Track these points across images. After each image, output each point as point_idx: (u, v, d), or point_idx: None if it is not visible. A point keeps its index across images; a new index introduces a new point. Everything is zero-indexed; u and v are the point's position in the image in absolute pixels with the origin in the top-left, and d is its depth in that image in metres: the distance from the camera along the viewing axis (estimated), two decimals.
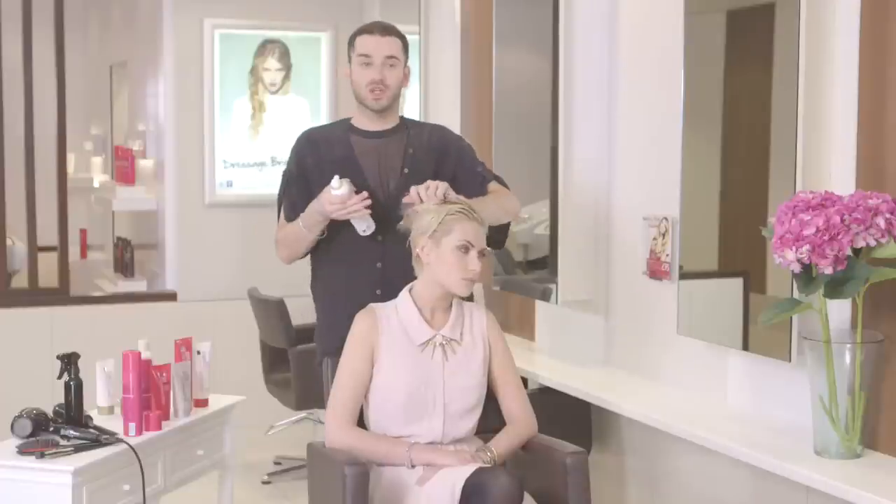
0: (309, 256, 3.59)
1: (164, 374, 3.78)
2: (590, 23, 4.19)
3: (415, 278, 3.28)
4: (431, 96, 5.76)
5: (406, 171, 3.47)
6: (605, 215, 4.24)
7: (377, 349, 3.20)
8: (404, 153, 3.50)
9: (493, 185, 3.58)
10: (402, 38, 3.54)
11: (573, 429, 3.96)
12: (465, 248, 3.15)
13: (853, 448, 2.97)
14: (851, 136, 3.10)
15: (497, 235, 3.56)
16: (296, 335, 5.31)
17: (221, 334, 5.98)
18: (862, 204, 2.83)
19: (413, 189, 3.24)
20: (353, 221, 3.39)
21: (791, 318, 3.14)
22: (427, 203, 3.19)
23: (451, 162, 3.54)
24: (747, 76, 3.50)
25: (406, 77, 3.55)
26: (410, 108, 6.06)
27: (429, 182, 3.24)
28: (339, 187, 3.31)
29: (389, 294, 3.33)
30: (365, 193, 3.34)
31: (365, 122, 3.54)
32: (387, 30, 3.51)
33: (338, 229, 3.44)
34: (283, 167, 6.74)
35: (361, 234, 3.41)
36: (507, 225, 3.66)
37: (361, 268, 3.46)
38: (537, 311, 4.63)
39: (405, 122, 3.62)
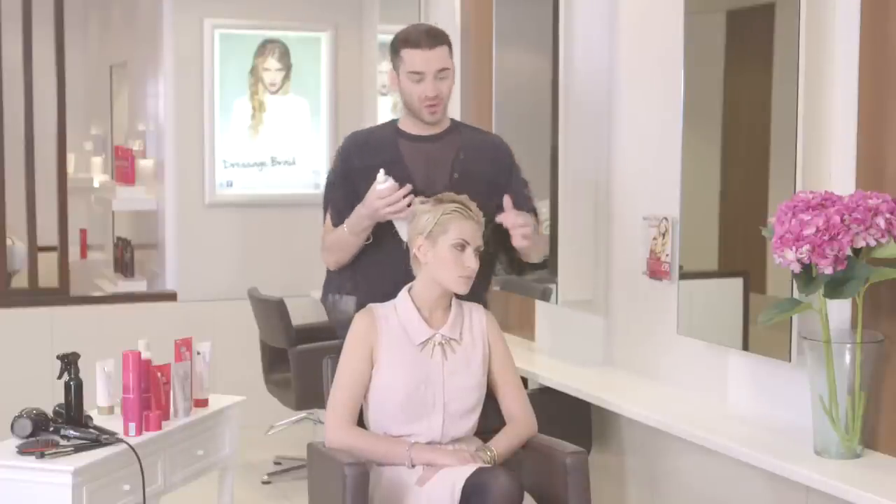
0: None
1: (164, 374, 3.78)
2: (590, 22, 4.19)
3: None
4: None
5: (455, 175, 3.41)
6: (605, 215, 4.24)
7: (377, 349, 3.20)
8: (455, 157, 3.43)
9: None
10: (448, 42, 3.41)
11: (573, 429, 3.96)
12: (461, 246, 3.16)
13: (853, 448, 2.97)
14: (851, 136, 3.10)
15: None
16: (296, 335, 5.32)
17: (221, 334, 5.98)
18: (862, 204, 2.83)
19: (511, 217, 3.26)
20: (396, 225, 3.32)
21: (791, 318, 3.14)
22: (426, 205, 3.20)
23: (506, 177, 3.47)
24: (747, 76, 3.50)
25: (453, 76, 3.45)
26: None
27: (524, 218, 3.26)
28: (384, 181, 3.25)
29: None
30: (409, 187, 3.27)
31: (412, 127, 3.45)
32: (435, 39, 3.37)
33: (381, 237, 3.37)
34: (283, 167, 6.74)
35: (404, 239, 3.31)
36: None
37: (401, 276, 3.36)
38: (537, 311, 4.63)
39: (456, 125, 3.52)
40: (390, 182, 3.26)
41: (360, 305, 3.40)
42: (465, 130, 3.53)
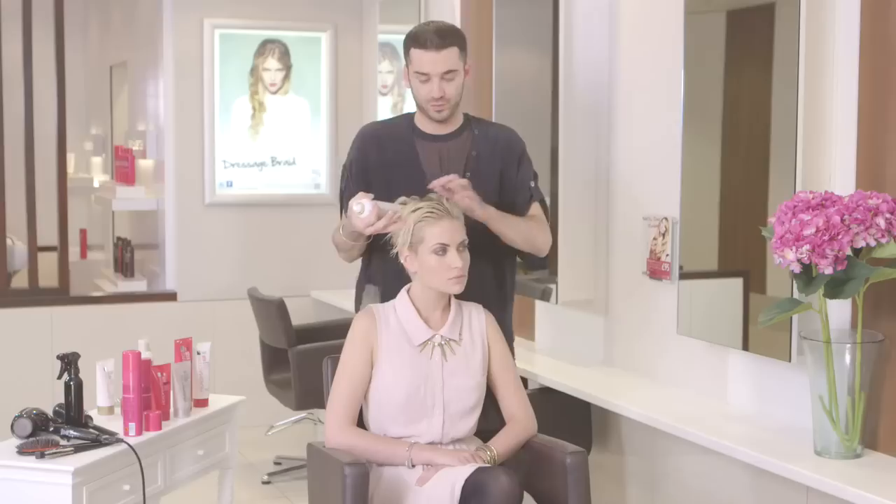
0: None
1: (164, 374, 3.78)
2: (590, 23, 4.19)
3: (485, 280, 3.31)
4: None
5: (468, 174, 3.39)
6: (605, 215, 4.24)
7: (376, 349, 3.20)
8: (468, 156, 3.43)
9: (534, 209, 3.48)
10: (460, 41, 3.38)
11: (573, 429, 3.96)
12: (442, 250, 3.15)
13: (853, 448, 2.98)
14: (851, 136, 3.10)
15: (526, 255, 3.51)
16: (296, 335, 5.31)
17: (221, 334, 6.00)
18: (862, 204, 2.83)
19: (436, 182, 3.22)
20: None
21: (791, 318, 3.14)
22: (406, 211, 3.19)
23: (515, 168, 3.46)
24: (747, 76, 3.50)
25: (468, 73, 3.42)
26: (410, 108, 6.07)
27: (453, 178, 3.22)
28: (361, 211, 3.18)
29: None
30: (390, 213, 3.19)
31: (427, 125, 3.46)
32: (444, 40, 3.34)
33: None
34: (283, 167, 6.73)
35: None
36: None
37: None
38: (537, 311, 4.63)
39: (469, 122, 3.51)
40: (368, 209, 3.17)
41: (383, 297, 3.40)
42: (478, 126, 3.51)
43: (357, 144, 3.52)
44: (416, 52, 3.37)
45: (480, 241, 3.31)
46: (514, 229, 3.39)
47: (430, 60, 3.34)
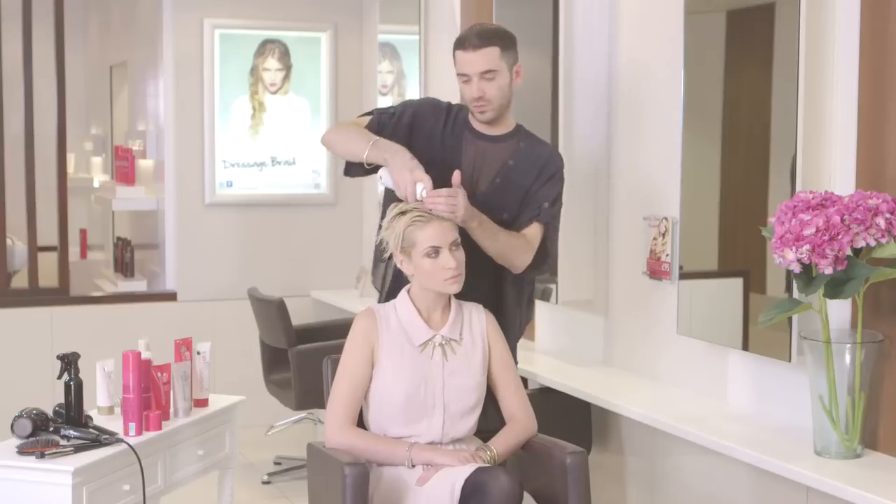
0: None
1: (164, 374, 3.78)
2: (589, 23, 4.20)
3: (483, 278, 3.32)
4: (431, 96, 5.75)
5: (498, 181, 3.41)
6: (605, 215, 4.24)
7: (377, 349, 3.20)
8: (503, 163, 3.43)
9: (532, 228, 3.40)
10: (502, 41, 3.38)
11: (573, 429, 3.96)
12: (435, 252, 3.14)
13: (853, 448, 2.98)
14: (851, 136, 3.11)
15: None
16: (296, 335, 5.32)
17: (221, 334, 6.00)
18: (862, 204, 2.83)
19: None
20: (383, 179, 3.30)
21: (791, 318, 3.14)
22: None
23: (540, 185, 3.43)
24: (747, 76, 3.50)
25: (518, 75, 3.42)
26: None
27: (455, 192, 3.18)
28: (421, 190, 3.17)
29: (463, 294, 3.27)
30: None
31: (476, 123, 3.47)
32: (482, 40, 3.35)
33: None
34: (283, 167, 6.73)
35: (389, 186, 3.30)
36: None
37: None
38: (537, 311, 4.62)
39: (518, 132, 3.50)
40: (420, 193, 3.19)
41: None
42: (526, 140, 3.49)
43: (423, 102, 3.55)
44: (458, 54, 3.40)
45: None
46: (492, 241, 3.32)
47: (469, 60, 3.36)
